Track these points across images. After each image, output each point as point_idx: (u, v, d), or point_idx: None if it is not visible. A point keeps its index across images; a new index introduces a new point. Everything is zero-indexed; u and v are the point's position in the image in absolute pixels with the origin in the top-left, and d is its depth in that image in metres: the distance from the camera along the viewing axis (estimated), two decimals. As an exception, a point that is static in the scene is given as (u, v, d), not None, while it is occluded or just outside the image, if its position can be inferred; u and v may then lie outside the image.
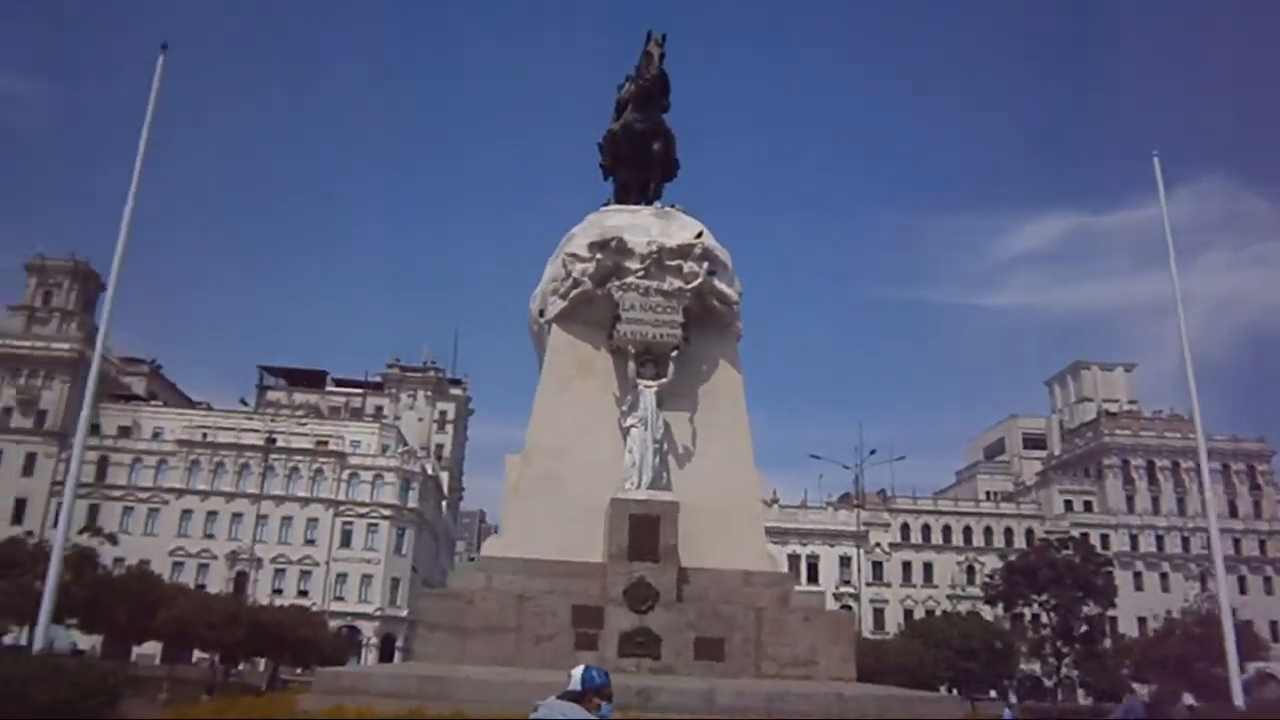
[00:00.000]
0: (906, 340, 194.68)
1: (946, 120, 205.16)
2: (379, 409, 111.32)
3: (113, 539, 55.39)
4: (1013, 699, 53.12)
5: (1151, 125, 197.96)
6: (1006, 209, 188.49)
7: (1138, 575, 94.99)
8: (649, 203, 20.41)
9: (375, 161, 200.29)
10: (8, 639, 56.35)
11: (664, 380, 17.50)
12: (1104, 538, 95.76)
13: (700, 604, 16.31)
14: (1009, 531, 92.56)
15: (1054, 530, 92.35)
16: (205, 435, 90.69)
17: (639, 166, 20.77)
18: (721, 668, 15.72)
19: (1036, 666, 56.03)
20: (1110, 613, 77.32)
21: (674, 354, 17.59)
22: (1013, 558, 65.49)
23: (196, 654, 60.65)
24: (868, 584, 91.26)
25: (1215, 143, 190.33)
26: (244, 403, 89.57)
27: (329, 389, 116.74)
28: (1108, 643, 58.46)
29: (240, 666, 58.54)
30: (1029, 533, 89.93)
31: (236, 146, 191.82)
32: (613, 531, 16.30)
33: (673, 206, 20.27)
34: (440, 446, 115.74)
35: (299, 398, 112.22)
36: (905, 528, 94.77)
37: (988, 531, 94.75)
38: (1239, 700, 24.42)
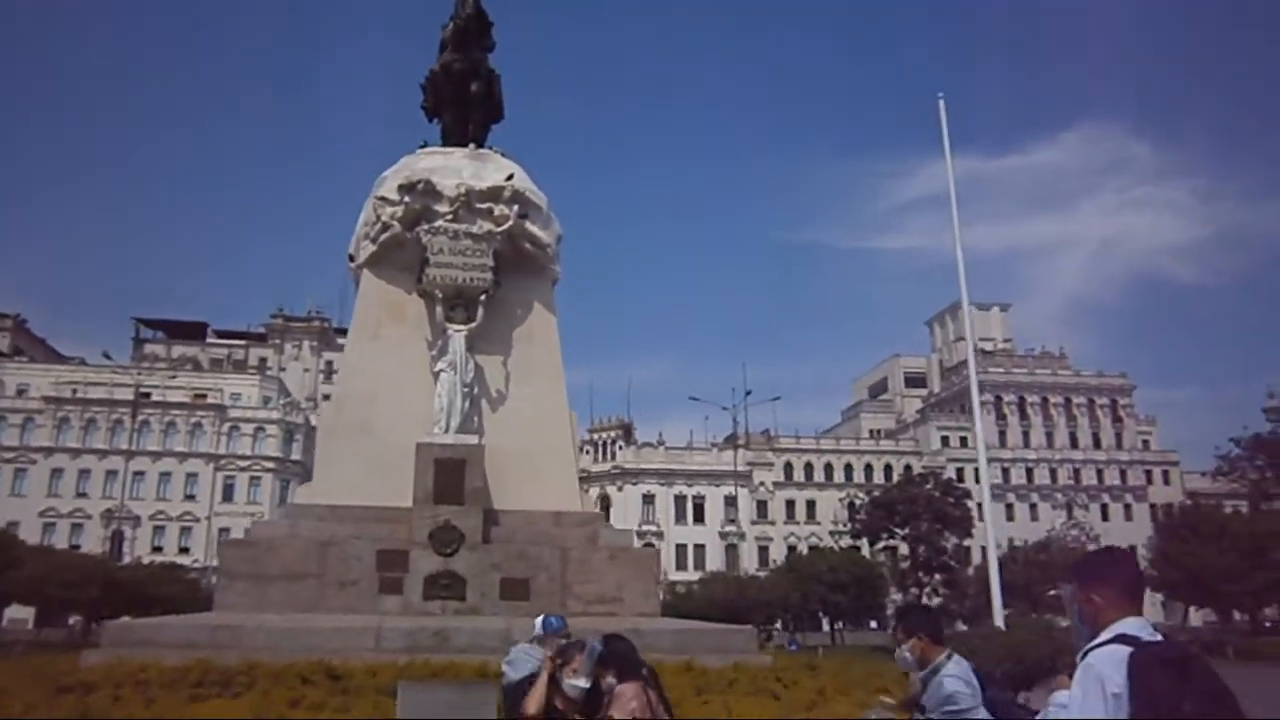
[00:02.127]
0: (802, 284, 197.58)
1: (842, 66, 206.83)
2: (263, 360, 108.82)
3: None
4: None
5: (1040, 71, 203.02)
6: (902, 154, 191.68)
7: (1009, 506, 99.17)
8: (477, 145, 20.16)
9: (257, 101, 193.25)
10: None
11: (474, 324, 17.48)
12: (976, 471, 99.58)
13: (507, 545, 16.51)
14: (888, 468, 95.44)
15: (931, 465, 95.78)
16: (75, 391, 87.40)
17: (459, 108, 20.47)
18: (527, 607, 15.88)
19: (901, 597, 58.29)
20: (982, 543, 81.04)
21: (483, 298, 17.55)
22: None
23: (74, 617, 59.10)
24: (752, 522, 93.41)
25: (1101, 88, 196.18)
26: (107, 356, 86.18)
27: (209, 341, 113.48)
28: (972, 571, 61.06)
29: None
30: (907, 468, 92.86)
31: (104, 85, 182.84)
32: (418, 476, 16.31)
33: (491, 149, 20.09)
34: (326, 397, 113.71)
35: (178, 350, 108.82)
36: (789, 467, 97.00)
37: (868, 469, 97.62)
38: (998, 622, 26.15)
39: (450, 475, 16.34)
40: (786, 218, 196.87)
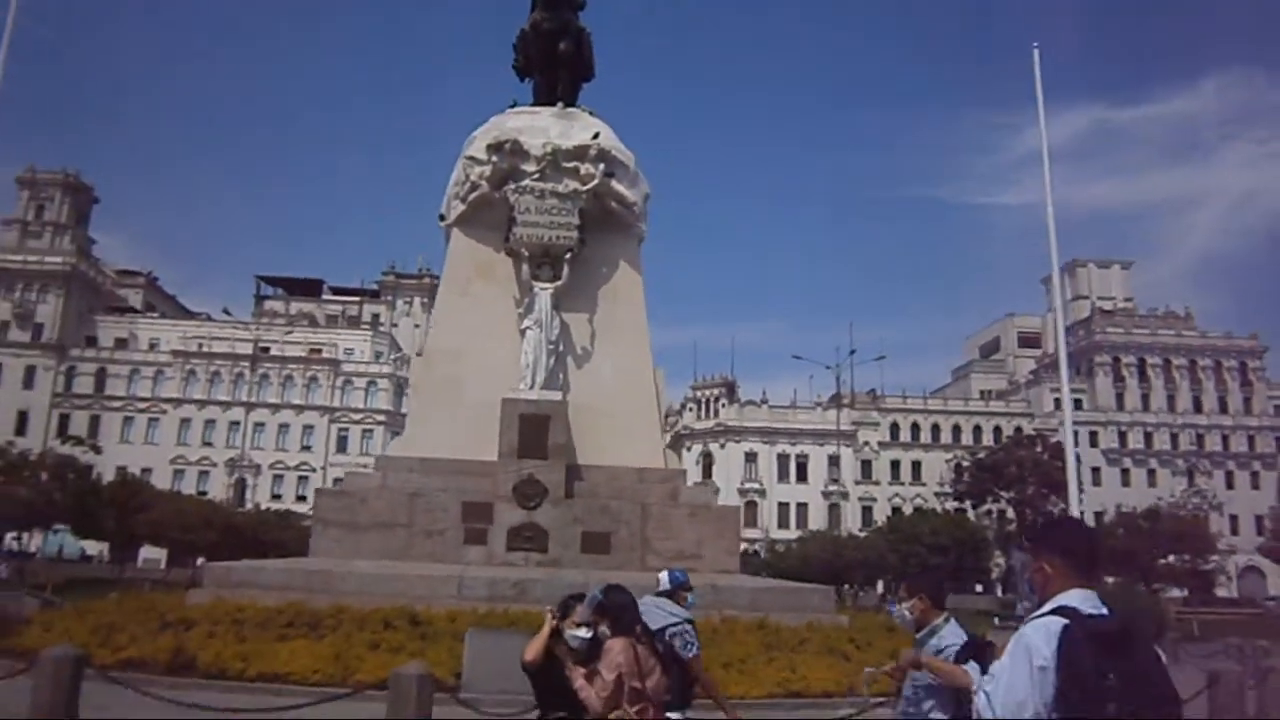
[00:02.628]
0: (918, 241, 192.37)
1: (958, 17, 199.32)
2: (375, 316, 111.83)
3: (96, 448, 56.63)
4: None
5: (1177, 14, 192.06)
6: (1021, 105, 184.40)
7: (1125, 472, 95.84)
8: (566, 104, 20.25)
9: (374, 70, 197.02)
10: (14, 544, 58.28)
11: (560, 283, 17.71)
12: (1093, 434, 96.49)
13: (589, 500, 16.82)
14: (998, 430, 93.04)
15: (1043, 428, 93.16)
16: (200, 346, 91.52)
17: (548, 67, 20.60)
18: (607, 560, 16.26)
19: (1004, 562, 57.04)
20: (1095, 508, 78.67)
21: (569, 256, 17.74)
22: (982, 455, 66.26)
23: (201, 560, 62.51)
24: (856, 482, 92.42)
25: (1238, 34, 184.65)
26: (227, 312, 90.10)
27: (325, 297, 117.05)
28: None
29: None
30: (1017, 430, 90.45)
31: (229, 63, 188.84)
32: (504, 430, 16.72)
33: (580, 108, 20.17)
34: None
35: (296, 307, 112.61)
36: (895, 427, 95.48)
37: (977, 430, 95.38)
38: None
39: (534, 430, 16.70)
40: (897, 174, 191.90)
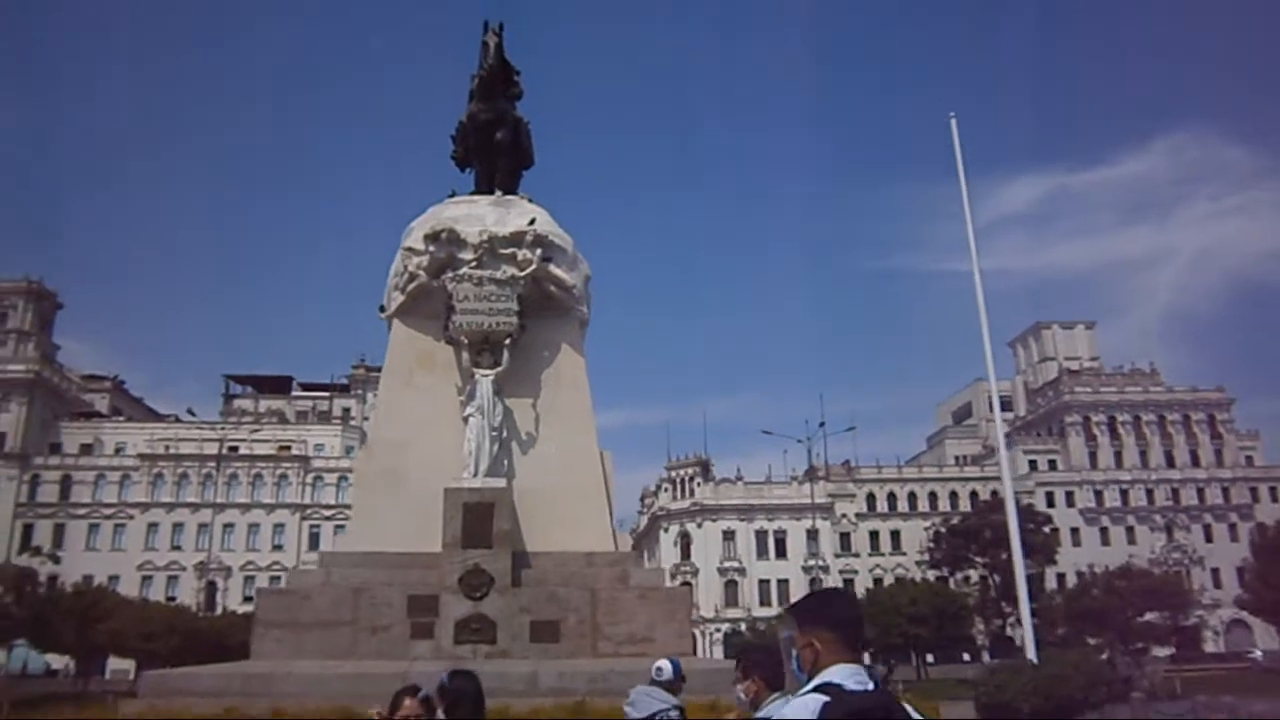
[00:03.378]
0: (880, 311, 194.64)
1: (922, 89, 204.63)
2: (346, 410, 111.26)
3: (54, 558, 55.48)
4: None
5: (1126, 80, 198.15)
6: (985, 172, 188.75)
7: (1104, 531, 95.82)
8: (505, 192, 20.44)
9: (330, 156, 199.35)
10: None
11: (500, 368, 17.64)
12: (1069, 495, 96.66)
13: (537, 588, 16.53)
14: (974, 494, 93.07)
15: (1018, 490, 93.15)
16: (168, 448, 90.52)
17: (486, 156, 20.83)
18: (557, 649, 15.93)
19: (984, 629, 56.48)
20: (1075, 568, 78.30)
21: (508, 341, 17.71)
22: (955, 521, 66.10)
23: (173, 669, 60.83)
24: (836, 555, 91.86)
25: (1190, 95, 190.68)
26: (191, 413, 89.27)
27: (295, 394, 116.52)
28: (1059, 599, 58.91)
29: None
30: (993, 494, 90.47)
31: (194, 162, 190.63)
32: (447, 520, 16.47)
33: (518, 195, 20.37)
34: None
35: (265, 404, 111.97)
36: (871, 497, 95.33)
37: (953, 496, 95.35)
38: (1030, 654, 24.52)
39: (478, 519, 16.47)
40: (861, 246, 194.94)
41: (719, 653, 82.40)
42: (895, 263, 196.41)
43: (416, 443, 17.86)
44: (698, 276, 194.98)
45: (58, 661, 63.17)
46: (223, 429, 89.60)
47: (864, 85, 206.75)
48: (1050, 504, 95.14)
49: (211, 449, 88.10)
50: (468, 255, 18.22)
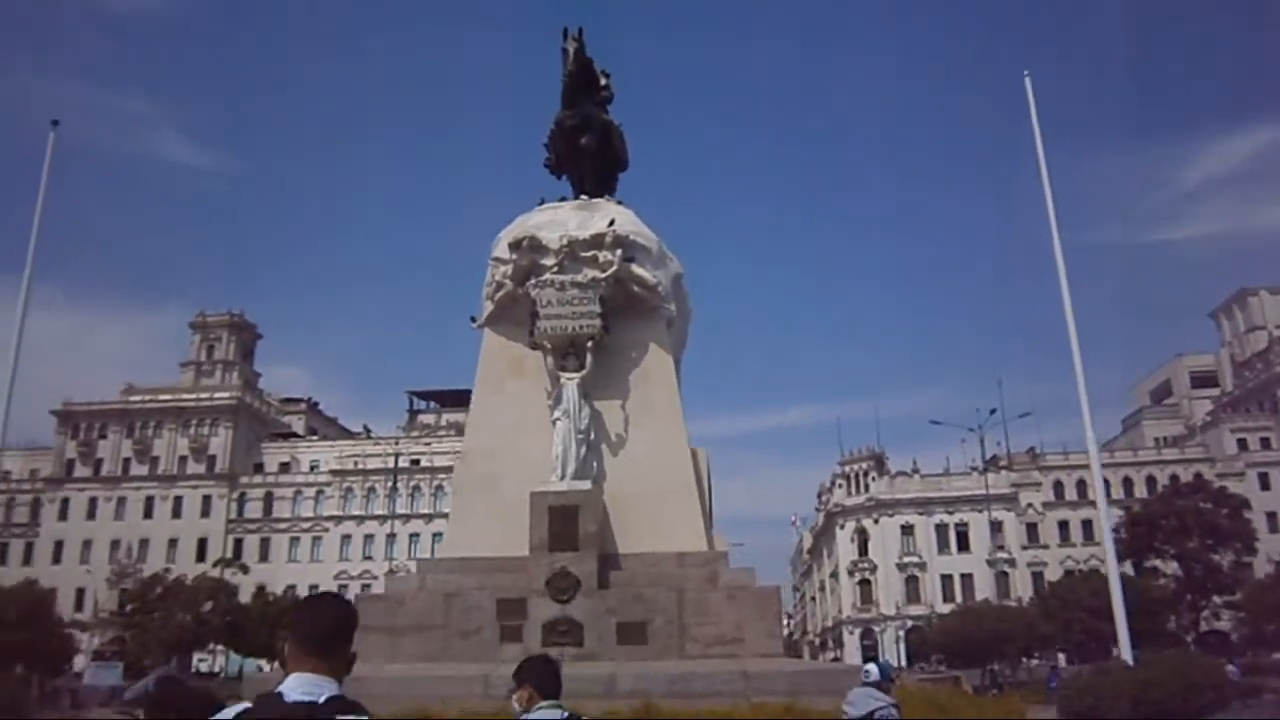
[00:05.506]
0: (1074, 290, 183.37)
1: (1114, 46, 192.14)
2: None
3: (243, 569, 59.45)
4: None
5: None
6: (1187, 135, 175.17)
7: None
8: (594, 196, 20.53)
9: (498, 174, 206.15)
10: (199, 666, 61.66)
11: (585, 371, 17.68)
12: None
13: (623, 589, 16.45)
14: (1174, 479, 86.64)
15: (1226, 472, 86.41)
16: (356, 463, 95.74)
17: (573, 161, 20.98)
18: (644, 651, 15.80)
19: (1175, 623, 52.19)
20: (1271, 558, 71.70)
21: (590, 344, 17.73)
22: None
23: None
24: (1023, 547, 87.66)
25: None
26: (367, 431, 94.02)
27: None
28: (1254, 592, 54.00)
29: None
30: (1197, 476, 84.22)
31: (362, 192, 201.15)
32: (534, 524, 16.62)
33: (606, 198, 20.40)
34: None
35: (447, 418, 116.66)
36: (1059, 485, 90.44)
37: (1150, 481, 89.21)
38: (1126, 656, 22.53)
39: (564, 522, 16.54)
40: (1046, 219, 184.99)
41: (901, 651, 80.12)
42: (1079, 238, 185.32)
43: (508, 449, 18.12)
44: (869, 268, 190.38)
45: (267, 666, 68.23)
46: (396, 443, 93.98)
47: (1028, 56, 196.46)
48: (1265, 486, 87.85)
49: (393, 463, 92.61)
50: (549, 261, 18.39)
